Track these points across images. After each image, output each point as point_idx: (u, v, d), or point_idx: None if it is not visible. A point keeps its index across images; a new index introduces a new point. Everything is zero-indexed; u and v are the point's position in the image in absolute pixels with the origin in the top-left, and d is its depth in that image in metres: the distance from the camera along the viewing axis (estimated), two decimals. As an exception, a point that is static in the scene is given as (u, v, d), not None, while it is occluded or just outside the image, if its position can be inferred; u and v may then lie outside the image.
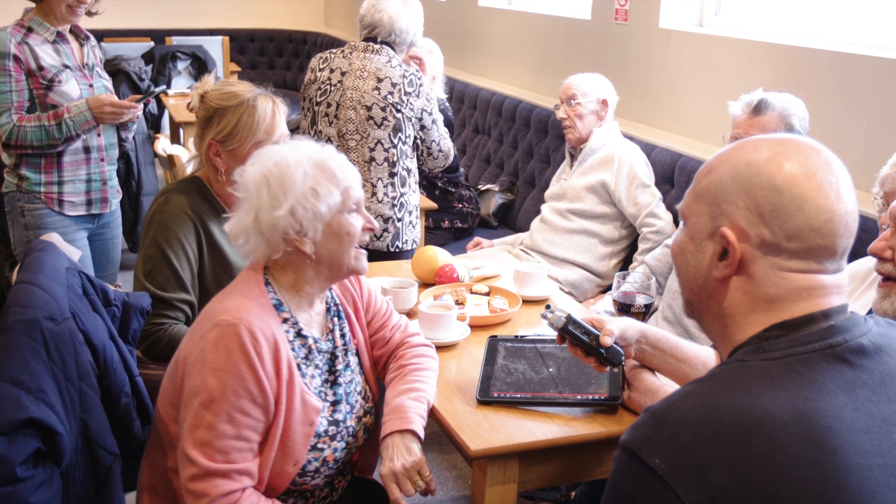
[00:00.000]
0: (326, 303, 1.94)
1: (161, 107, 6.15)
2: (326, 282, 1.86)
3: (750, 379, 1.18)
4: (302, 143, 1.82)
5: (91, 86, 3.23)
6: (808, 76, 3.27)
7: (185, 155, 4.19)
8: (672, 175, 3.60)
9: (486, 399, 1.96)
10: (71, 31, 3.23)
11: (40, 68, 3.06)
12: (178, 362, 1.76)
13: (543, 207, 3.73)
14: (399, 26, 3.37)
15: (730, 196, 1.25)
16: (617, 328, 1.86)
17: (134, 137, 5.44)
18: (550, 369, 2.03)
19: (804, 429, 1.11)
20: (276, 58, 9.35)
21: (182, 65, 6.92)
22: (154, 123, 5.89)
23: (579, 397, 1.94)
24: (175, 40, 7.61)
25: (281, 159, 1.75)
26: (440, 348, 2.23)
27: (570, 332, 1.85)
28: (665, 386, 1.87)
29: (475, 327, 2.35)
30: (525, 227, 4.16)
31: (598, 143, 3.53)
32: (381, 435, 1.86)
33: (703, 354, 1.88)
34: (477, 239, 4.04)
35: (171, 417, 1.76)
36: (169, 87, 6.69)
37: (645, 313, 2.17)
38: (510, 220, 4.71)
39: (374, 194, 3.36)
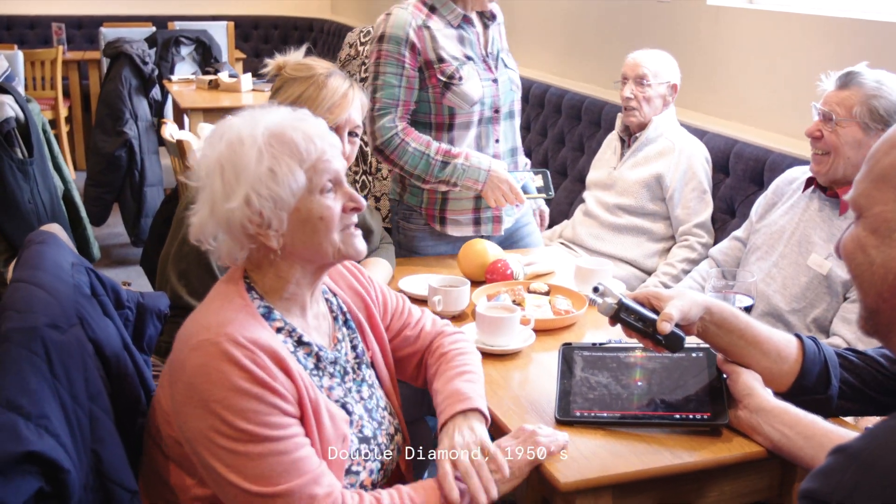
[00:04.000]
0: (332, 311, 1.64)
1: (164, 92, 5.83)
2: (315, 276, 1.54)
3: None
4: (265, 110, 1.49)
5: (495, 80, 2.66)
6: (874, 52, 2.97)
7: (195, 141, 3.89)
8: (727, 163, 3.30)
9: (566, 419, 1.67)
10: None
11: (440, 59, 2.55)
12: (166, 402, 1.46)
13: (587, 196, 3.42)
14: None
15: None
16: (677, 310, 1.59)
17: (137, 125, 5.13)
18: (640, 382, 1.73)
19: None
20: (280, 45, 8.97)
21: (186, 50, 6.61)
22: (158, 110, 5.56)
23: (677, 416, 1.65)
24: (178, 25, 7.30)
25: (234, 137, 1.43)
26: (502, 357, 1.94)
27: (622, 320, 1.64)
28: (785, 405, 1.57)
29: (538, 332, 2.05)
30: (557, 219, 3.86)
31: (655, 132, 3.21)
32: (439, 424, 1.56)
33: (778, 339, 1.63)
34: None
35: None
36: (172, 73, 6.38)
37: (744, 317, 1.87)
38: (540, 212, 4.41)
39: None
